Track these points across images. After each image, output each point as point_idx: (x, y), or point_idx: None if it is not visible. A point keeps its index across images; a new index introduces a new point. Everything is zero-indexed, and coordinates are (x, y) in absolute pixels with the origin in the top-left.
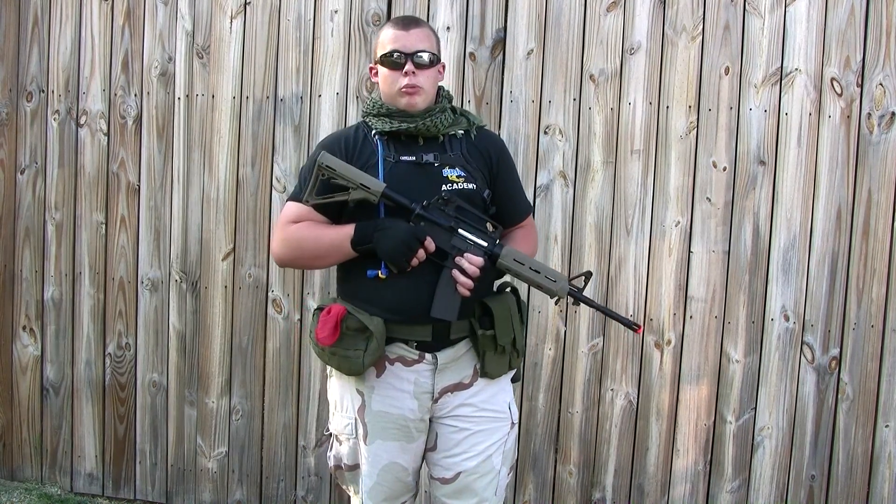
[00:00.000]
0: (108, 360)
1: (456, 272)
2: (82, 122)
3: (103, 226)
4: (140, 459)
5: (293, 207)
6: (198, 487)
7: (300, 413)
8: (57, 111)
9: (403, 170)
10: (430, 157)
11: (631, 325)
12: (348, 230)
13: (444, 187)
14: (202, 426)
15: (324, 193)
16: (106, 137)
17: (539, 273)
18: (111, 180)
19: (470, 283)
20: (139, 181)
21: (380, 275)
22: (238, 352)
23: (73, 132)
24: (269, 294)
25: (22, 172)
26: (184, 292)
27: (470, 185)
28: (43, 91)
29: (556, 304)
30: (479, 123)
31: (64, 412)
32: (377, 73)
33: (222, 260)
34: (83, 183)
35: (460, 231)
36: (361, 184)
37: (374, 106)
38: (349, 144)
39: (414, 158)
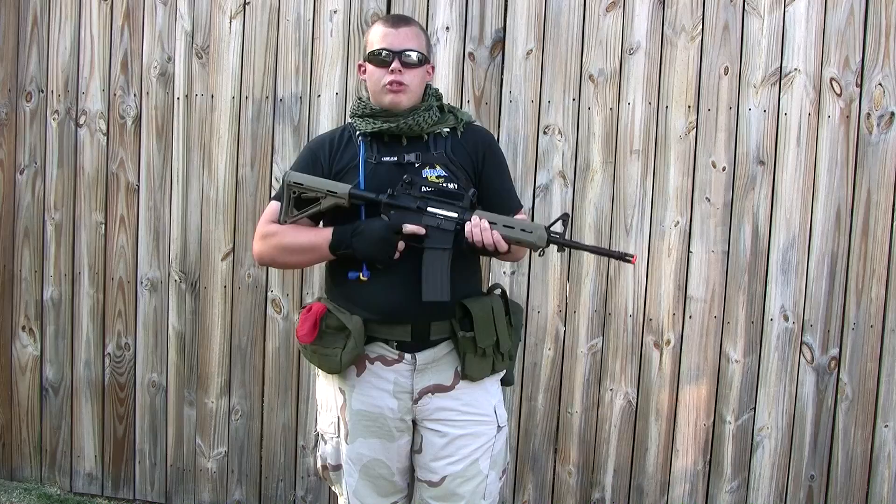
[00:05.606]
0: (107, 360)
1: (471, 233)
2: (81, 122)
3: (102, 226)
4: (139, 459)
5: (275, 206)
6: (197, 487)
7: (299, 413)
8: (56, 111)
9: (384, 171)
10: (411, 157)
11: (625, 257)
12: (326, 234)
13: (422, 189)
14: (201, 426)
15: (299, 207)
16: (105, 137)
17: (514, 228)
18: (110, 180)
19: (497, 237)
20: (138, 181)
21: (361, 277)
22: (237, 352)
23: (72, 132)
24: (269, 294)
25: (21, 172)
26: (183, 292)
27: (450, 186)
28: (42, 91)
29: (539, 255)
30: (468, 120)
31: (63, 412)
32: (365, 70)
33: (221, 260)
34: (82, 183)
35: (429, 209)
36: (328, 191)
37: (359, 106)
38: (333, 147)
39: (395, 159)
